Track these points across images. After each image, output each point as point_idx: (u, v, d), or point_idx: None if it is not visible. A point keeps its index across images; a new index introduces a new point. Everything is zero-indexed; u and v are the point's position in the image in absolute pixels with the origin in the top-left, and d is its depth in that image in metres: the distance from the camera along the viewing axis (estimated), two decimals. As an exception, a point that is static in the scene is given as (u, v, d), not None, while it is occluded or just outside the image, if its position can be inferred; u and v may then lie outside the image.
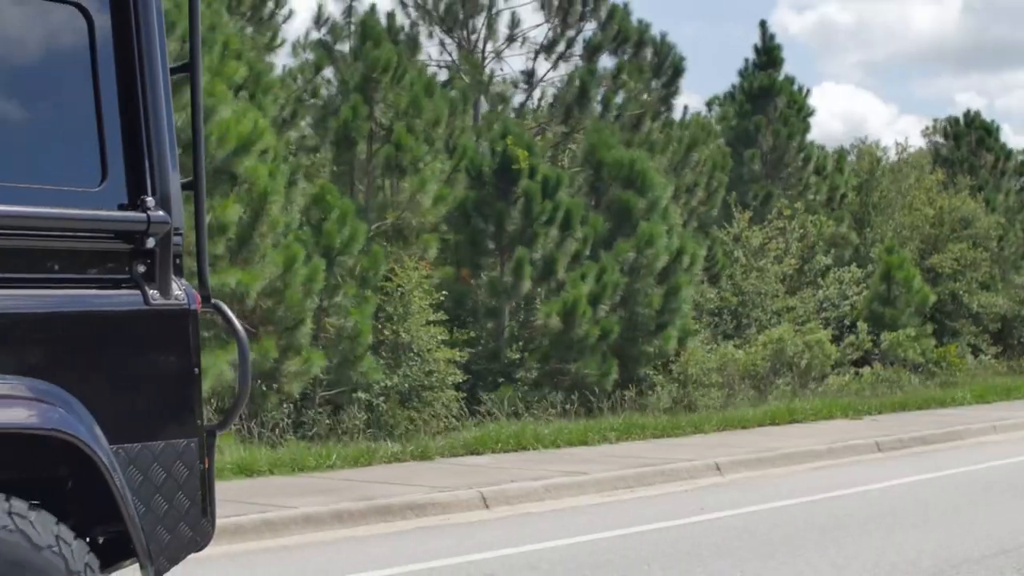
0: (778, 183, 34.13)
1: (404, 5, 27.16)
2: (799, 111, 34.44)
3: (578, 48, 27.86)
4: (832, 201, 34.70)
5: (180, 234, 4.89)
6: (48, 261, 4.56)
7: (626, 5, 28.02)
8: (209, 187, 17.48)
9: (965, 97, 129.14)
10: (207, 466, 4.95)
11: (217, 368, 16.15)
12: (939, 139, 45.68)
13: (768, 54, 34.52)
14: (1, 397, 4.25)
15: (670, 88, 27.78)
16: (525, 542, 11.57)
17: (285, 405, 18.29)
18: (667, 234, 23.08)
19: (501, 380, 20.67)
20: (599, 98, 26.69)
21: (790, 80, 34.94)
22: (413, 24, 27.20)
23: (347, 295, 19.42)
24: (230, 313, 5.15)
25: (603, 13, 25.90)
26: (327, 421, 19.01)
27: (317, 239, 19.21)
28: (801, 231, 32.03)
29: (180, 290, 4.87)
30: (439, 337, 19.43)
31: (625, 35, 26.30)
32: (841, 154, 38.62)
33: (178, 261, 4.90)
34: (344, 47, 25.72)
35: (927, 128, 50.59)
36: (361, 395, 18.74)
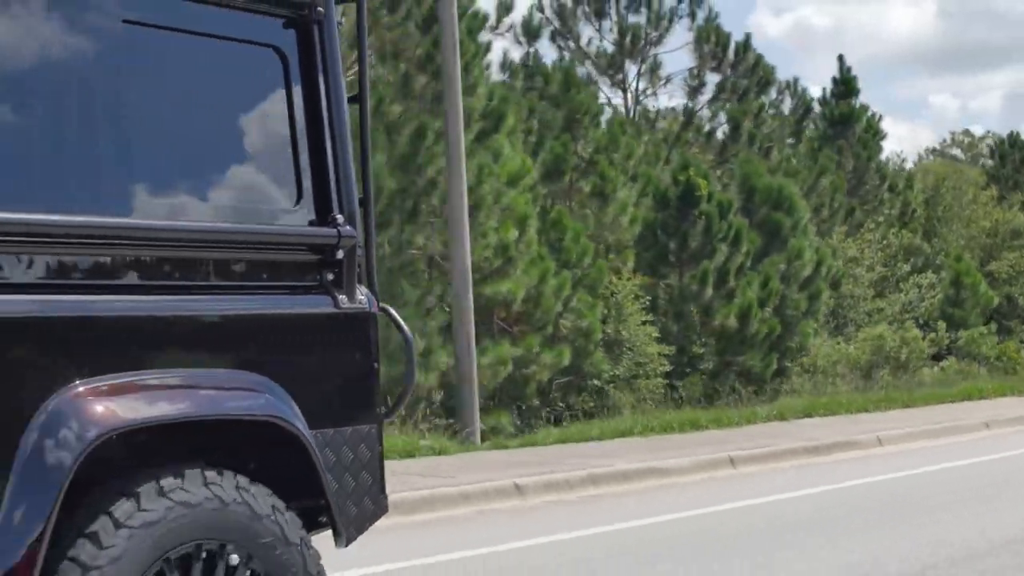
0: (857, 199, 38.10)
1: (566, 50, 31.47)
2: (874, 135, 37.79)
3: (710, 87, 32.08)
4: (904, 215, 37.75)
5: (360, 247, 5.24)
6: (257, 271, 4.88)
7: (761, 56, 32.10)
8: (484, 214, 20.37)
9: (940, 99, 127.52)
10: (382, 448, 5.33)
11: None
12: (958, 154, 49.42)
13: (845, 84, 37.60)
14: (227, 388, 4.64)
15: (801, 124, 33.35)
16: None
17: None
18: (808, 248, 27.69)
19: (688, 371, 24.29)
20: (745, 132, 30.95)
21: (865, 108, 38.15)
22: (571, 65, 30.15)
23: (580, 300, 23.47)
24: (398, 317, 5.43)
25: (751, 60, 30.40)
26: (561, 404, 23.05)
27: (556, 255, 23.06)
28: (884, 242, 36.26)
29: (362, 296, 5.15)
30: (653, 335, 23.04)
31: (767, 79, 30.99)
32: (911, 173, 42.55)
33: (359, 270, 5.24)
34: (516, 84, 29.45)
35: (945, 141, 54.43)
36: (595, 382, 22.39)
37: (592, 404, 22.68)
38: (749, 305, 24.63)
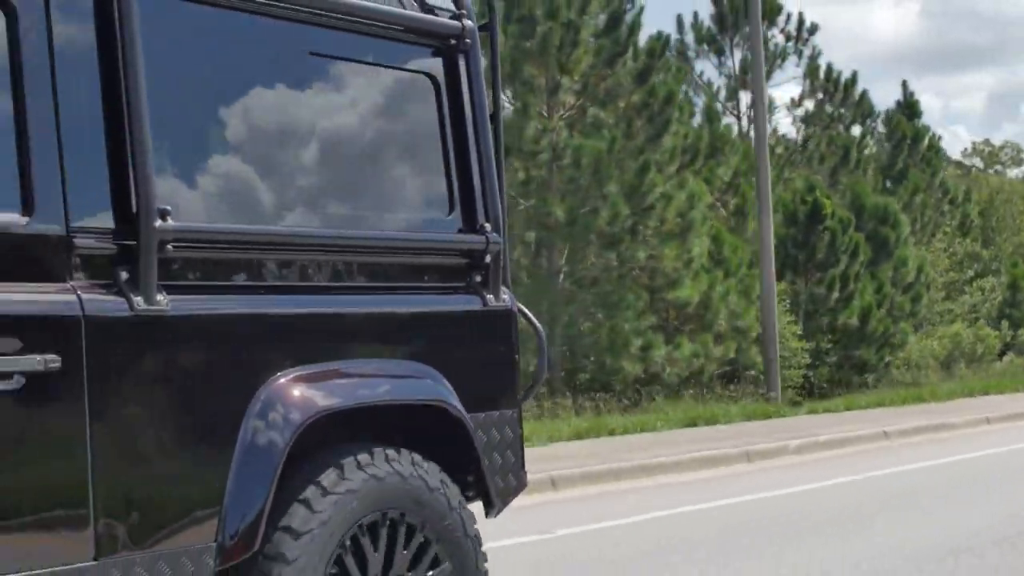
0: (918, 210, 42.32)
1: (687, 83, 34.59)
2: (936, 153, 40.07)
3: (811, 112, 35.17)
4: (963, 225, 39.99)
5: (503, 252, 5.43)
6: (420, 273, 5.12)
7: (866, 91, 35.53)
8: (693, 232, 22.47)
9: (923, 99, 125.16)
10: (522, 430, 5.49)
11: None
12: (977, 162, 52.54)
13: (909, 107, 39.61)
14: (404, 377, 4.91)
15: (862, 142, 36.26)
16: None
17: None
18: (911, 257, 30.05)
19: (817, 364, 26.49)
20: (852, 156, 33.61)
21: (927, 127, 40.34)
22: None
23: (738, 303, 24.43)
24: (530, 314, 5.62)
25: (855, 94, 34.34)
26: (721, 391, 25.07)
27: (719, 265, 24.53)
28: (950, 250, 37.59)
29: (505, 295, 5.37)
30: (796, 331, 25.50)
31: (868, 111, 35.04)
32: (969, 187, 44.17)
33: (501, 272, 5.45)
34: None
35: (966, 150, 57.61)
36: (751, 372, 24.64)
37: (749, 390, 24.67)
38: (869, 307, 27.04)
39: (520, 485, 5.42)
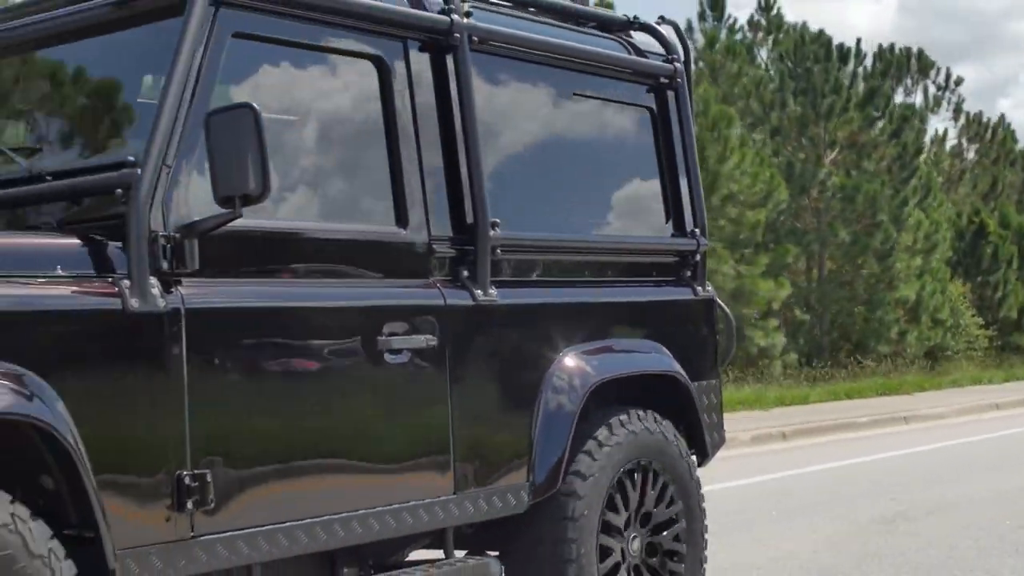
0: None
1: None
2: None
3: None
4: None
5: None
6: (650, 269, 5.55)
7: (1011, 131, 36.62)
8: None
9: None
10: (720, 397, 5.81)
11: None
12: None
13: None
14: (649, 352, 5.35)
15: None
16: None
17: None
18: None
19: (986, 346, 28.42)
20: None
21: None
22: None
23: (938, 300, 26.87)
24: (721, 303, 5.92)
25: (1001, 135, 37.02)
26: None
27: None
28: None
29: (709, 287, 5.75)
30: (980, 323, 28.04)
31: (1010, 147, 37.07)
32: None
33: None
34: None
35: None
36: (947, 353, 26.98)
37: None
38: (1022, 304, 29.34)
39: (722, 441, 5.71)
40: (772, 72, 27.23)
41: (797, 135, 25.72)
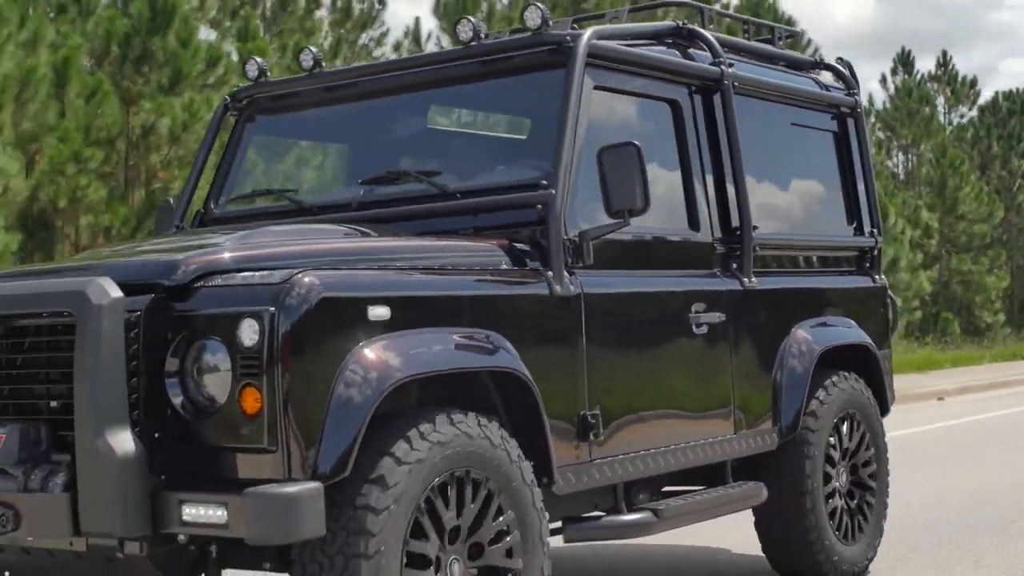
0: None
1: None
2: None
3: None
4: None
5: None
6: (839, 263, 6.60)
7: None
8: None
9: (876, 86, 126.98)
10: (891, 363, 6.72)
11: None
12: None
13: None
14: (848, 327, 6.39)
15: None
16: None
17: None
18: None
19: None
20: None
21: None
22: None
23: None
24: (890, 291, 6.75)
25: None
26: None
27: None
28: None
29: (881, 277, 6.78)
30: None
31: None
32: None
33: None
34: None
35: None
36: None
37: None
38: None
39: (893, 399, 6.71)
40: (975, 120, 41.47)
41: (1001, 167, 38.88)
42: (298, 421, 3.75)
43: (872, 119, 38.27)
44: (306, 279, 3.83)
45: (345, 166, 5.78)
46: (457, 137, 5.64)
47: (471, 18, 5.16)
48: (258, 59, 5.85)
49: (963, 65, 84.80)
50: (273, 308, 3.76)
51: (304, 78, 5.74)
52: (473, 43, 5.15)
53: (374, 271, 4.22)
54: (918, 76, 42.17)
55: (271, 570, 4.32)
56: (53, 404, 4.11)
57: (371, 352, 3.91)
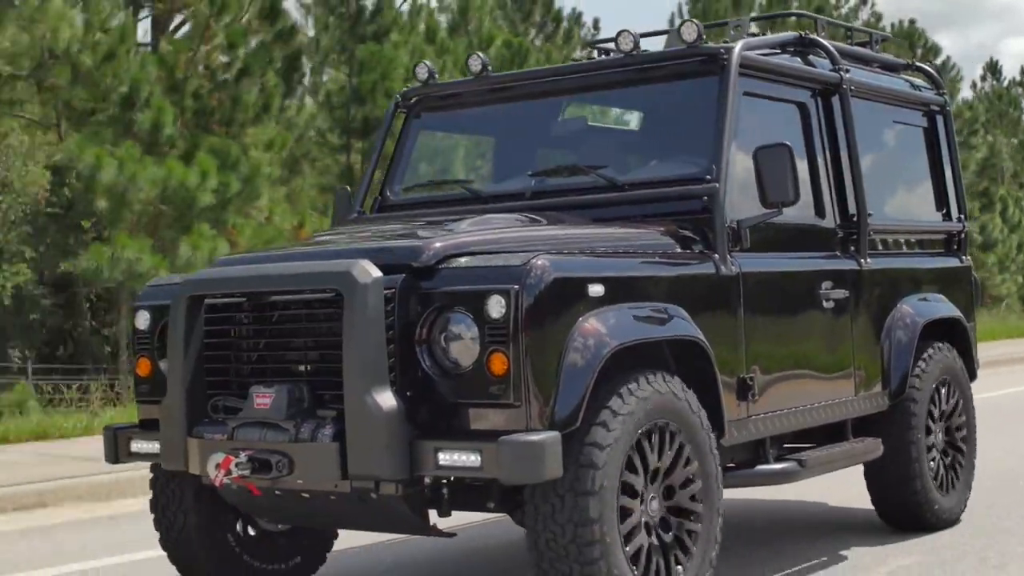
0: None
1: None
2: None
3: None
4: None
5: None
6: (933, 245, 7.29)
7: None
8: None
9: None
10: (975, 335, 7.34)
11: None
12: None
13: None
14: (943, 302, 7.13)
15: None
16: None
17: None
18: None
19: None
20: None
21: None
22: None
23: None
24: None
25: None
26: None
27: None
28: None
29: (967, 258, 7.51)
30: None
31: None
32: None
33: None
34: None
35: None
36: None
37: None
38: None
39: (978, 367, 7.42)
40: None
41: None
42: (537, 381, 4.43)
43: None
44: (540, 262, 4.52)
45: (508, 160, 6.40)
46: (616, 135, 6.33)
47: (631, 31, 5.79)
48: (427, 63, 6.47)
49: (963, 44, 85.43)
50: (517, 286, 4.44)
51: (467, 81, 6.39)
52: (634, 52, 5.78)
53: (587, 255, 4.93)
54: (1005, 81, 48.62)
55: (494, 510, 5.03)
56: (309, 368, 4.80)
57: (592, 324, 4.61)
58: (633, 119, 6.21)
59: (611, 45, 6.26)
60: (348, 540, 6.24)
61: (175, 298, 5.04)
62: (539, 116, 6.21)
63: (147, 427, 5.45)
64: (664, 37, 6.68)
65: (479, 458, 4.48)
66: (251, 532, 5.70)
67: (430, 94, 6.56)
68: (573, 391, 4.50)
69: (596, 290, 4.66)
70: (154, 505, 5.64)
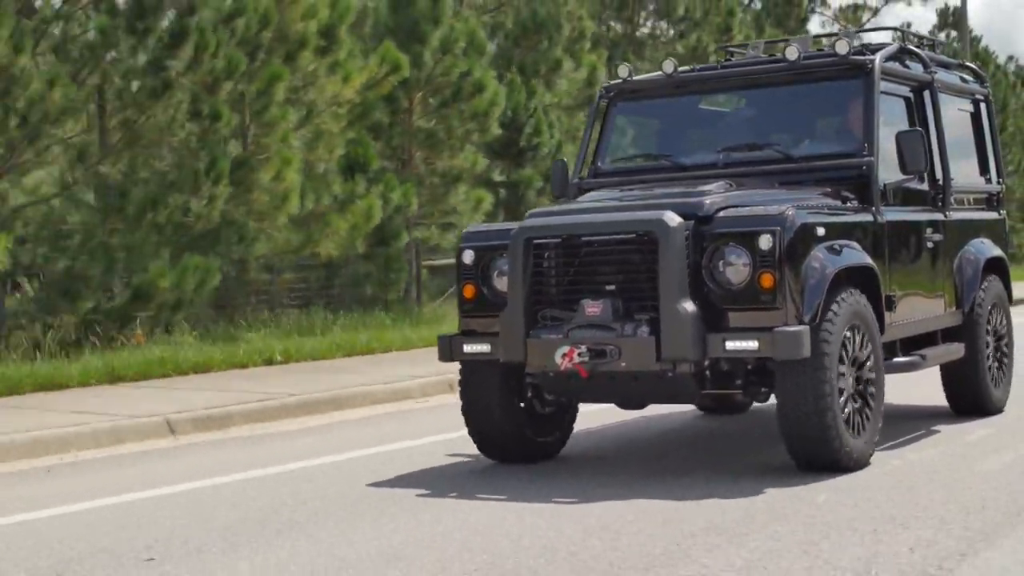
0: None
1: None
2: None
3: None
4: None
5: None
6: (979, 201, 9.36)
7: None
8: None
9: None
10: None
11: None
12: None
13: None
14: (992, 246, 9.25)
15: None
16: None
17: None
18: None
19: None
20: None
21: None
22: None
23: None
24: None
25: None
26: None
27: None
28: None
29: (1003, 211, 9.47)
30: None
31: None
32: None
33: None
34: None
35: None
36: None
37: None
38: None
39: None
40: None
41: None
42: (791, 292, 6.67)
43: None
44: (790, 212, 6.74)
45: (698, 138, 8.58)
46: (784, 120, 8.51)
47: (797, 45, 8.03)
48: (627, 64, 8.63)
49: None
50: (779, 227, 6.65)
51: (656, 77, 8.57)
52: (799, 61, 8.04)
53: (805, 207, 7.10)
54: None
55: (743, 392, 7.20)
56: (620, 287, 6.94)
57: (821, 254, 6.83)
58: (797, 107, 8.36)
59: (740, 49, 8.83)
60: (582, 423, 8.38)
61: (514, 239, 7.08)
62: (722, 104, 8.37)
63: (469, 335, 7.44)
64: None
65: (757, 343, 6.60)
66: (532, 412, 7.74)
67: (626, 88, 8.63)
68: (814, 299, 6.70)
69: (820, 232, 6.88)
70: (464, 393, 7.66)
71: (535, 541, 5.57)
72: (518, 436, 7.66)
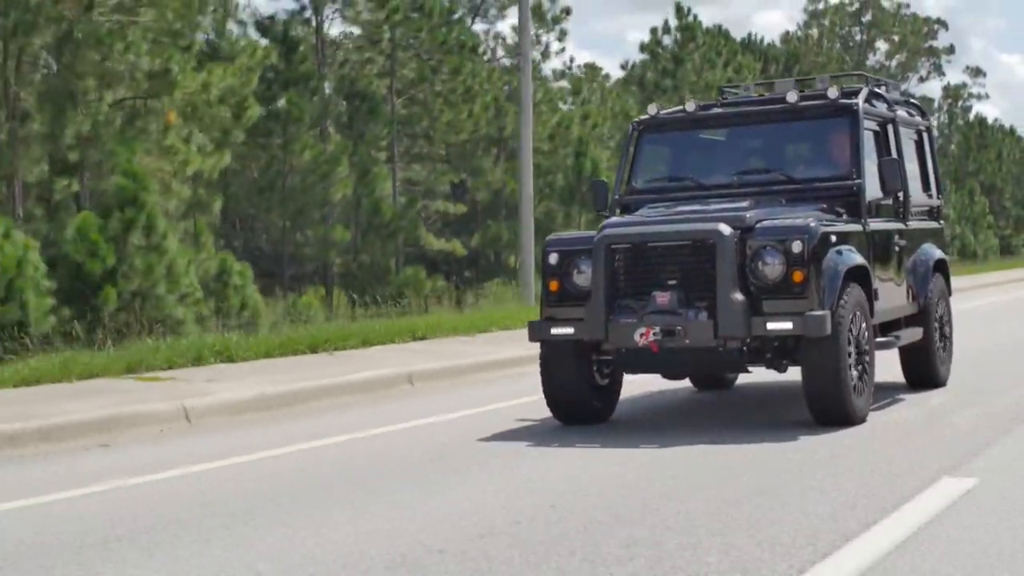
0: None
1: None
2: None
3: None
4: None
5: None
6: (926, 214, 10.78)
7: None
8: None
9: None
10: None
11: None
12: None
13: None
14: (937, 249, 10.95)
15: None
16: None
17: None
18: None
19: None
20: None
21: None
22: None
23: None
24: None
25: None
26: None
27: None
28: None
29: (943, 222, 10.64)
30: None
31: None
32: None
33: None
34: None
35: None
36: None
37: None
38: None
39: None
40: None
41: None
42: (816, 284, 8.79)
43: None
44: (813, 223, 8.87)
45: (716, 163, 10.69)
46: (787, 149, 10.68)
47: (795, 90, 10.23)
48: (656, 104, 10.74)
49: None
50: (807, 235, 8.74)
51: (678, 112, 10.70)
52: (797, 103, 10.23)
53: (821, 220, 9.23)
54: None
55: (768, 365, 9.22)
56: (681, 282, 8.93)
57: (834, 256, 8.92)
58: (792, 140, 10.53)
59: (734, 89, 11.00)
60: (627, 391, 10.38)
61: (596, 244, 9.07)
62: (736, 135, 10.50)
63: (551, 320, 9.41)
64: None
65: (791, 324, 8.66)
66: (593, 383, 9.76)
67: (654, 121, 10.74)
68: (832, 290, 8.78)
69: (833, 239, 9.02)
70: (544, 367, 9.63)
71: (608, 481, 7.61)
72: (584, 402, 9.54)
